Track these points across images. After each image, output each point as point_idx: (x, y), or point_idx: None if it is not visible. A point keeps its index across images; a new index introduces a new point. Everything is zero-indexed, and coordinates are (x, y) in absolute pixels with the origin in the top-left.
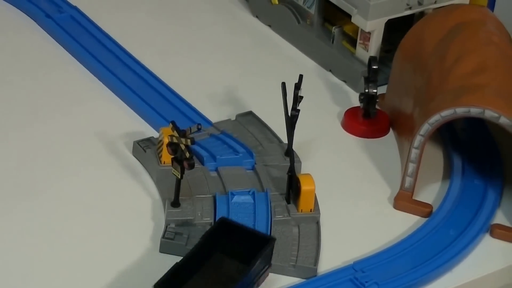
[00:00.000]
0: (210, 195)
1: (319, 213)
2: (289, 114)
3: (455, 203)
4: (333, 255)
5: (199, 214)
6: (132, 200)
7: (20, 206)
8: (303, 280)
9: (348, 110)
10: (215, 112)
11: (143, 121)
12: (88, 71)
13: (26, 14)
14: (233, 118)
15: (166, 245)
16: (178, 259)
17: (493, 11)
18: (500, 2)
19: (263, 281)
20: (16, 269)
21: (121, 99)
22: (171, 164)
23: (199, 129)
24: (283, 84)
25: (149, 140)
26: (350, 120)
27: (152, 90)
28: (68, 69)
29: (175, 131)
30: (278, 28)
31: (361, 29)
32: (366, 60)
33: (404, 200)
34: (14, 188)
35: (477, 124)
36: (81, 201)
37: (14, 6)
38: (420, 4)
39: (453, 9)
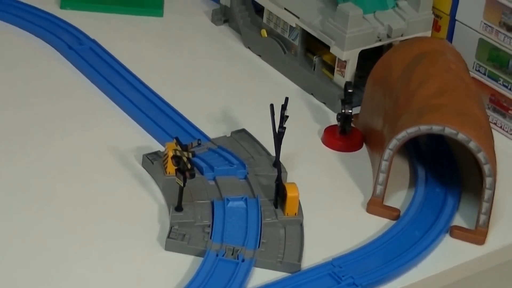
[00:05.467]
0: (209, 201)
1: (302, 216)
2: (277, 131)
3: (420, 208)
4: (315, 253)
5: (199, 217)
6: (141, 205)
7: (40, 209)
8: (289, 274)
9: (327, 127)
10: (213, 129)
11: (151, 137)
12: (104, 94)
13: (51, 46)
14: (228, 134)
15: (170, 244)
16: (181, 256)
17: (451, 43)
18: (457, 34)
19: None
20: (32, 265)
21: (132, 118)
22: (175, 174)
23: (199, 144)
24: (271, 105)
25: (156, 153)
26: (329, 136)
27: (159, 110)
28: (87, 92)
29: (178, 146)
30: (267, 58)
31: (338, 58)
32: (343, 85)
33: (375, 205)
34: (35, 194)
35: (438, 140)
36: (96, 205)
37: (41, 39)
38: (388, 36)
39: (417, 41)
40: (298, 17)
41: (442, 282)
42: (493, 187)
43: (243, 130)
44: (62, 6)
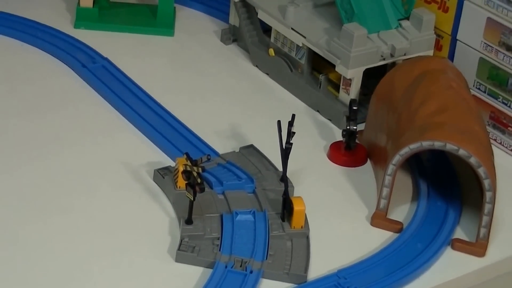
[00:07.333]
0: (218, 214)
1: (308, 229)
2: (284, 147)
3: (422, 221)
4: (320, 265)
5: (209, 230)
6: (152, 219)
7: (52, 223)
8: (295, 285)
9: (332, 143)
10: (222, 145)
11: (162, 152)
12: (117, 111)
13: (66, 64)
14: (237, 150)
15: (181, 256)
16: (191, 267)
17: (452, 62)
18: (458, 54)
19: None
20: (43, 277)
21: (144, 134)
22: (185, 188)
23: (208, 159)
24: (279, 122)
25: (167, 168)
26: (334, 152)
27: (169, 126)
28: (100, 109)
29: (188, 161)
30: (274, 76)
31: (343, 76)
32: (348, 102)
33: (379, 218)
34: (47, 207)
35: (439, 155)
36: (108, 219)
37: (56, 58)
38: (392, 56)
39: (419, 60)
40: (304, 37)
41: None
42: (493, 201)
43: (251, 146)
44: (76, 26)
